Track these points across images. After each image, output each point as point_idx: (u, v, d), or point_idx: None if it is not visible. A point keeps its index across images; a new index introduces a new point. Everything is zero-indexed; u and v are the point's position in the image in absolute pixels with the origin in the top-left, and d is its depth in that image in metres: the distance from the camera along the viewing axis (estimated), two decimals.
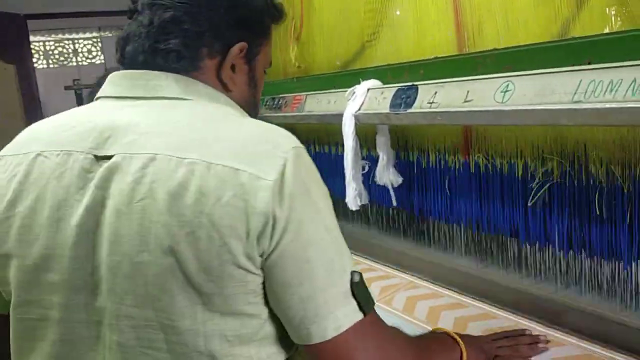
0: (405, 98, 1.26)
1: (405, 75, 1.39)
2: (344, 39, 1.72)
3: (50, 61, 9.42)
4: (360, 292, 0.66)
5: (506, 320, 1.14)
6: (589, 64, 0.92)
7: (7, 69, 4.14)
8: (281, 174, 0.61)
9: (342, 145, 1.76)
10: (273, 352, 0.68)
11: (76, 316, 0.66)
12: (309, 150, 1.96)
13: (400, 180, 1.47)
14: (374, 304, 0.68)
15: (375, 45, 1.61)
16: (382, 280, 1.34)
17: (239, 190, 0.60)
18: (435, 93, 1.18)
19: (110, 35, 9.53)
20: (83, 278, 0.65)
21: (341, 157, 1.77)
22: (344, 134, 1.42)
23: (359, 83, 1.42)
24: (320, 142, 1.90)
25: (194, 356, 0.63)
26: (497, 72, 1.07)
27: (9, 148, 0.74)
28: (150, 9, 0.72)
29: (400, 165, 1.52)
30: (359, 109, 1.39)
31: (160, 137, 0.64)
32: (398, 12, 1.51)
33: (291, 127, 1.97)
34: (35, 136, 0.73)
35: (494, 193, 1.30)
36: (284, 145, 0.64)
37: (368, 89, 1.39)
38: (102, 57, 9.77)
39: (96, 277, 0.65)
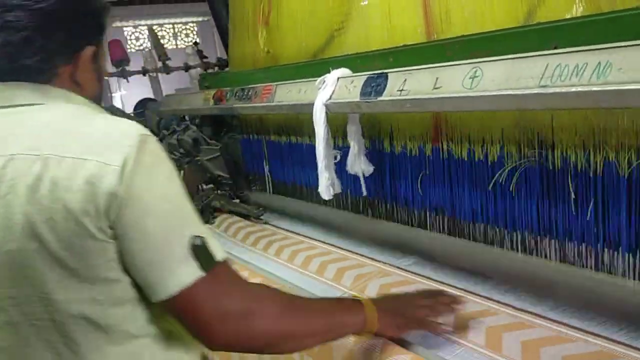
0: (375, 86, 1.25)
1: (375, 63, 1.39)
2: (312, 25, 1.71)
3: None
4: (200, 253, 0.76)
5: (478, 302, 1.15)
6: (555, 48, 0.94)
7: None
8: (124, 159, 0.73)
9: (312, 135, 1.78)
10: (146, 309, 0.80)
11: None
12: (280, 141, 1.95)
13: (371, 169, 1.47)
14: (216, 262, 0.78)
15: (344, 33, 1.60)
16: (355, 269, 1.34)
17: (88, 177, 0.72)
18: (405, 80, 1.17)
19: None
20: None
21: (313, 147, 1.78)
22: (314, 123, 1.41)
23: (329, 72, 1.41)
24: (292, 133, 1.89)
25: (73, 321, 0.76)
26: (465, 59, 1.07)
27: None
28: (3, 31, 0.77)
29: (372, 154, 1.52)
30: (330, 98, 1.38)
31: (17, 139, 0.75)
32: (365, 2, 1.51)
33: (261, 118, 1.99)
34: None
35: (463, 178, 1.31)
36: (129, 135, 0.75)
37: (338, 78, 1.38)
38: None
39: None
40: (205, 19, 8.69)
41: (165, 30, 9.67)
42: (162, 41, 3.54)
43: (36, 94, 0.80)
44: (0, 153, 0.74)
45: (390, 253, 1.44)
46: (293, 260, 1.49)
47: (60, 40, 0.81)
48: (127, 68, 3.48)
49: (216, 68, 3.59)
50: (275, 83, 1.66)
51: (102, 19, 0.89)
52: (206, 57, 3.63)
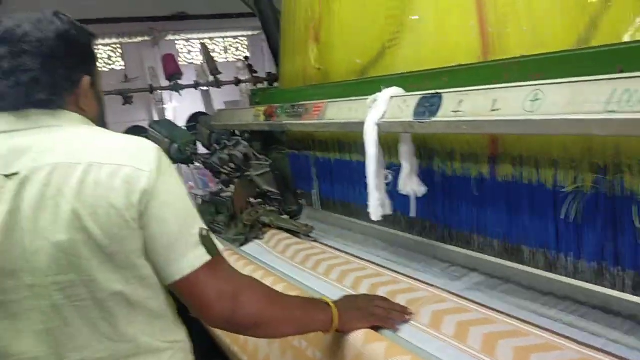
0: (429, 106, 1.23)
1: (427, 82, 1.36)
2: (363, 42, 1.70)
3: None
4: (206, 242, 0.93)
5: (538, 337, 1.10)
6: (621, 71, 0.89)
7: None
8: (151, 166, 0.91)
9: (362, 153, 1.76)
10: (163, 294, 0.97)
11: (9, 297, 0.88)
12: (329, 157, 1.94)
13: (423, 190, 1.44)
14: (218, 251, 0.94)
15: (395, 50, 1.59)
16: (407, 293, 1.31)
17: (126, 179, 0.89)
18: (461, 101, 1.15)
19: (129, 40, 9.65)
20: (11, 264, 0.87)
21: (363, 164, 1.76)
22: (365, 142, 1.40)
23: (379, 90, 1.40)
24: (342, 149, 1.88)
25: (111, 298, 0.91)
26: (523, 80, 1.04)
27: None
28: (12, 74, 0.91)
29: (424, 174, 1.49)
30: (382, 117, 1.36)
31: (54, 152, 0.90)
32: (416, 17, 1.49)
33: (311, 134, 1.99)
34: None
35: (520, 202, 1.27)
36: (149, 148, 0.94)
37: (391, 97, 1.37)
38: (122, 62, 9.90)
39: (21, 262, 0.87)
40: (255, 32, 8.83)
41: (215, 44, 9.91)
42: (212, 55, 3.61)
43: (55, 118, 0.95)
44: (44, 163, 0.89)
45: (444, 277, 1.39)
46: (343, 281, 1.47)
47: (63, 76, 0.96)
48: (179, 82, 3.58)
49: (265, 83, 3.64)
50: (326, 101, 1.66)
51: (92, 50, 1.05)
52: (256, 72, 3.68)
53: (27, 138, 0.92)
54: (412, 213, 1.48)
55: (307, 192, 2.16)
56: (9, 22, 0.94)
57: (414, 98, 1.29)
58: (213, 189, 3.83)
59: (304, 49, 2.01)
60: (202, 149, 2.89)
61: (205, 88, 3.62)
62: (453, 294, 1.28)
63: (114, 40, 9.64)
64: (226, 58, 9.89)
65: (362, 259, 1.61)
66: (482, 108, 1.08)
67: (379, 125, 1.37)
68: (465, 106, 1.13)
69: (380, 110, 1.37)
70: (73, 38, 0.98)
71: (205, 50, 3.79)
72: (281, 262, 1.71)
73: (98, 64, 1.06)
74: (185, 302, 0.96)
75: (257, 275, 1.58)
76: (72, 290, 0.89)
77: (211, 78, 3.62)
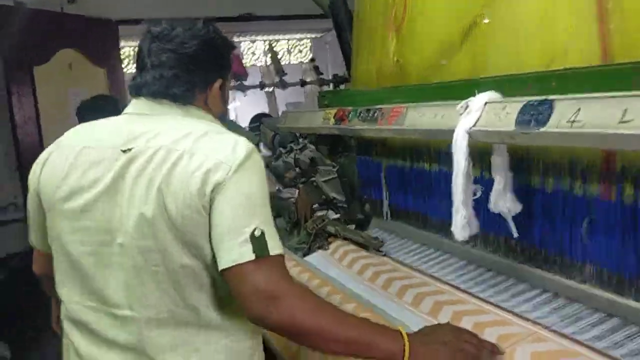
0: (535, 115, 1.06)
1: (529, 87, 1.20)
2: (450, 32, 1.54)
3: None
4: (257, 241, 0.97)
5: None
6: None
7: (98, 73, 4.25)
8: (233, 162, 1.00)
9: (442, 162, 1.61)
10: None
11: (104, 249, 1.06)
12: (402, 165, 1.79)
13: (518, 207, 1.27)
14: (267, 252, 0.98)
15: (488, 49, 1.42)
16: (497, 326, 1.14)
17: (208, 169, 1.00)
18: (579, 110, 0.98)
19: None
20: (109, 222, 1.05)
21: (442, 175, 1.60)
22: (454, 153, 1.24)
23: (471, 95, 1.24)
24: (418, 158, 1.72)
25: (181, 269, 1.03)
26: None
27: (63, 140, 1.17)
28: (159, 67, 1.11)
29: (519, 191, 1.32)
30: (474, 125, 1.21)
31: (163, 137, 1.05)
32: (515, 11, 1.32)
33: (384, 139, 1.85)
34: (82, 135, 1.16)
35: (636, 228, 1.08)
36: (243, 146, 1.03)
37: (486, 103, 1.21)
38: None
39: (117, 223, 1.04)
40: (319, 35, 8.75)
41: (280, 46, 9.90)
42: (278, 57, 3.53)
43: (181, 111, 1.12)
44: (153, 145, 1.04)
45: (542, 310, 1.21)
46: (419, 306, 1.31)
47: (200, 76, 1.13)
48: (245, 82, 3.51)
49: (331, 85, 3.53)
50: (406, 105, 1.51)
51: (228, 57, 1.21)
52: (322, 73, 3.57)
53: (152, 123, 1.09)
54: (514, 233, 1.30)
55: (375, 200, 2.02)
56: (165, 24, 1.13)
57: (516, 104, 1.12)
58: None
59: (381, 45, 1.86)
60: (264, 151, 2.81)
61: (270, 89, 3.54)
62: (553, 331, 1.11)
63: None
64: (289, 60, 9.87)
65: (440, 279, 1.45)
66: (609, 119, 0.91)
67: (470, 134, 1.21)
68: (584, 116, 0.96)
69: (474, 117, 1.22)
70: (215, 45, 1.15)
71: (271, 51, 3.72)
72: (348, 277, 1.58)
73: (230, 72, 1.23)
74: (232, 293, 1.02)
75: (323, 292, 1.46)
76: (149, 255, 1.02)
77: (277, 79, 3.54)
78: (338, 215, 2.05)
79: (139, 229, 1.02)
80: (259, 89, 3.63)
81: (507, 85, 1.25)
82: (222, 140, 1.05)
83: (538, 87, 1.17)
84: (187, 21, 1.13)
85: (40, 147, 3.88)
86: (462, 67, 1.52)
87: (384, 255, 1.68)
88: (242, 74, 3.51)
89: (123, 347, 1.07)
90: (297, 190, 2.05)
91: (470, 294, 1.33)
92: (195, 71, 1.12)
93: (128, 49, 9.60)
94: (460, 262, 1.52)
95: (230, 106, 8.77)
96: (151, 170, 1.02)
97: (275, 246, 1.00)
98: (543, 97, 1.07)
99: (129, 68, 5.48)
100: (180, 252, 1.02)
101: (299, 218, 2.03)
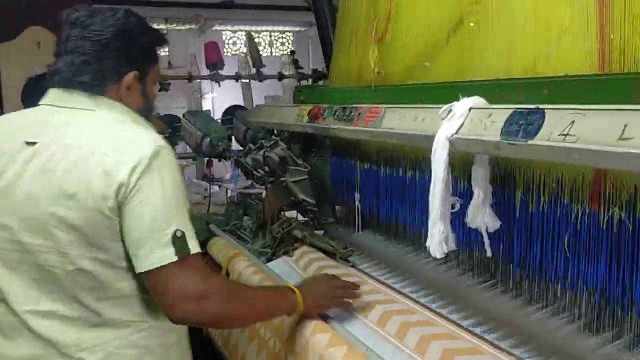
0: (525, 125, 0.96)
1: (520, 95, 1.10)
2: (434, 41, 1.44)
3: None
4: (178, 243, 0.97)
5: None
6: None
7: None
8: (138, 161, 0.97)
9: (419, 169, 1.50)
10: (134, 278, 1.03)
11: (4, 245, 1.02)
12: (377, 170, 1.69)
13: (497, 224, 1.17)
14: (188, 253, 0.98)
15: (475, 53, 1.32)
16: (469, 356, 1.04)
17: (108, 169, 0.97)
18: (573, 123, 0.87)
19: (176, 27, 9.56)
20: (5, 218, 1.02)
21: (417, 182, 1.50)
22: (433, 161, 1.14)
23: (457, 99, 1.14)
24: (395, 163, 1.61)
25: (79, 272, 1.00)
26: None
27: None
28: (71, 54, 1.05)
29: (499, 206, 1.22)
30: (456, 133, 1.10)
31: (68, 133, 1.03)
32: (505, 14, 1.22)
33: (359, 141, 1.74)
34: None
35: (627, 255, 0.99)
36: (148, 143, 1.00)
37: (470, 109, 1.10)
38: (166, 49, 9.80)
39: (16, 219, 1.01)
40: (303, 29, 8.62)
41: (262, 38, 9.73)
42: (257, 47, 3.39)
43: (91, 102, 1.06)
44: (56, 140, 1.01)
45: (515, 342, 1.11)
46: (385, 326, 1.21)
47: (111, 65, 1.07)
48: (222, 73, 3.36)
49: (310, 80, 3.40)
50: (385, 105, 1.40)
51: (150, 51, 1.15)
52: (302, 68, 3.44)
53: (61, 115, 1.05)
54: (488, 252, 1.20)
55: (348, 205, 1.91)
56: (84, 12, 1.08)
57: (503, 112, 1.02)
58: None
59: (362, 48, 1.75)
60: (237, 146, 2.67)
61: (246, 81, 3.40)
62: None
63: (161, 26, 9.58)
64: (271, 52, 9.71)
65: (409, 297, 1.34)
66: (606, 135, 0.81)
67: (452, 142, 1.11)
68: (579, 130, 0.86)
69: (456, 123, 1.11)
70: (131, 36, 1.09)
71: (250, 41, 3.58)
72: None
73: (155, 65, 1.17)
74: (152, 295, 1.01)
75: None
76: (48, 256, 1.00)
77: (254, 70, 3.40)
78: (306, 219, 1.94)
79: (39, 228, 0.99)
80: (236, 81, 3.48)
81: (495, 90, 1.15)
82: (128, 137, 1.03)
83: (528, 94, 1.07)
84: (109, 10, 1.09)
85: None
86: (447, 70, 1.41)
87: (352, 266, 1.57)
88: (218, 62, 3.35)
89: (32, 340, 1.04)
90: (265, 191, 1.93)
91: (442, 316, 1.23)
92: (107, 60, 1.06)
93: None
94: (434, 280, 1.42)
95: (208, 95, 8.61)
96: (51, 169, 0.99)
97: (195, 245, 1.01)
98: (534, 106, 0.97)
99: None
100: (81, 255, 0.99)
101: (266, 220, 1.91)
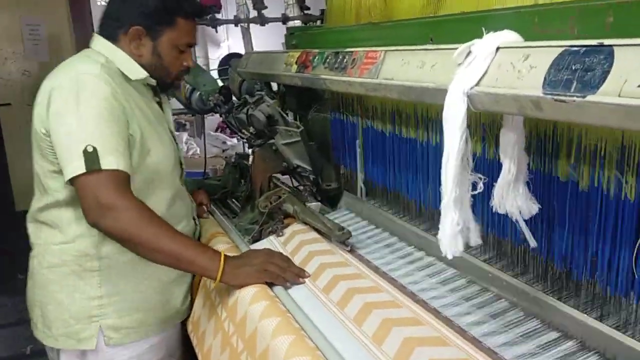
0: (580, 71, 0.63)
1: (571, 25, 0.75)
2: None
3: None
4: (89, 157, 1.10)
5: None
6: None
7: (58, 1, 3.73)
8: (58, 84, 1.18)
9: (434, 131, 1.19)
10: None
11: None
12: (383, 129, 1.37)
13: (536, 208, 0.86)
14: (99, 167, 1.11)
15: None
16: None
17: (46, 94, 1.19)
18: None
19: None
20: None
21: (433, 148, 1.18)
22: (445, 125, 0.82)
23: (479, 36, 0.80)
24: (405, 121, 1.29)
25: (38, 174, 1.27)
26: None
27: None
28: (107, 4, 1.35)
29: (537, 183, 0.90)
30: (477, 84, 0.77)
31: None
32: None
33: (359, 96, 1.40)
34: None
35: None
36: (74, 71, 1.21)
37: (498, 48, 0.77)
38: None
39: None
40: None
41: None
42: None
43: (97, 43, 1.31)
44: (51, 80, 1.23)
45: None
46: (382, 342, 0.91)
47: (122, 16, 1.29)
48: (216, 16, 3.02)
49: (319, 22, 3.02)
50: (384, 48, 1.06)
51: (162, 14, 1.28)
52: (308, 8, 3.05)
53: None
54: (531, 242, 0.89)
55: (348, 171, 1.60)
56: None
57: (547, 52, 0.69)
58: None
59: None
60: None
61: (245, 25, 3.04)
62: None
63: None
64: None
65: (418, 299, 1.05)
66: None
67: (470, 97, 0.78)
68: None
69: (477, 70, 0.78)
70: None
71: None
72: (296, 286, 1.17)
73: (171, 29, 1.29)
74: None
75: (259, 307, 1.06)
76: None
77: (254, 13, 3.04)
78: (302, 187, 1.64)
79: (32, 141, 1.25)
80: (235, 25, 3.13)
81: (534, 20, 0.80)
82: (66, 65, 1.24)
83: (584, 23, 0.73)
84: None
85: None
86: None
87: (350, 250, 1.27)
88: (214, 5, 3.00)
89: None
90: (251, 155, 1.63)
91: (458, 329, 0.93)
92: (120, 11, 1.29)
93: None
94: (451, 272, 1.12)
95: (223, 45, 8.20)
96: (37, 100, 1.22)
97: (110, 162, 1.11)
98: (595, 42, 0.63)
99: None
100: (38, 163, 1.25)
101: (254, 190, 1.62)
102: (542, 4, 0.82)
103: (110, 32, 1.29)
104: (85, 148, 1.10)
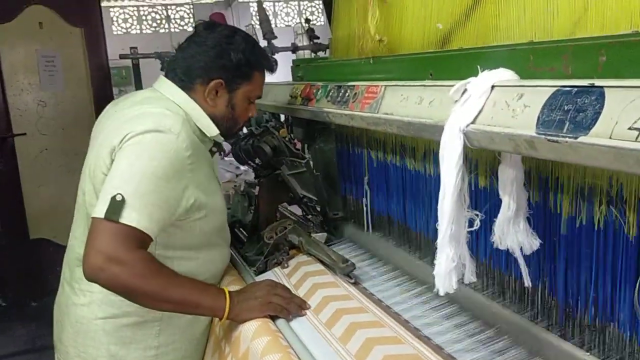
0: (573, 111, 0.63)
1: (564, 64, 0.76)
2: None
3: (143, 26, 9.35)
4: (113, 205, 1.04)
5: None
6: None
7: (74, 34, 3.82)
8: (129, 133, 1.12)
9: (431, 161, 1.19)
10: None
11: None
12: (386, 160, 1.37)
13: (537, 244, 0.85)
14: (117, 219, 1.04)
15: (500, 8, 0.97)
16: None
17: (117, 134, 1.15)
18: None
19: (203, 2, 9.26)
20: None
21: (429, 178, 1.18)
22: (441, 161, 0.82)
23: (475, 74, 0.81)
24: (407, 152, 1.29)
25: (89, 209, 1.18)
26: None
27: None
28: (180, 50, 1.30)
29: (536, 219, 0.90)
30: (473, 122, 0.78)
31: (130, 105, 1.26)
32: None
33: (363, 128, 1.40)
34: None
35: None
36: (144, 123, 1.14)
37: (493, 86, 0.78)
38: (194, 24, 9.51)
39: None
40: None
41: (290, 7, 9.34)
42: (270, 18, 3.06)
43: (169, 89, 1.27)
44: (119, 110, 1.27)
45: None
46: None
47: (201, 67, 1.26)
48: None
49: (327, 52, 3.06)
50: (384, 83, 1.08)
51: (242, 69, 1.27)
52: (317, 38, 3.09)
53: (146, 93, 1.32)
54: (526, 281, 0.89)
55: (355, 202, 1.60)
56: (204, 23, 1.32)
57: (540, 91, 0.69)
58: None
59: (364, 8, 1.42)
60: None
61: None
62: None
63: (187, 0, 9.33)
64: (275, 23, 9.30)
65: (421, 335, 1.03)
66: None
67: (466, 134, 0.78)
68: None
69: (473, 108, 0.79)
70: (228, 50, 1.25)
71: (261, 10, 3.25)
72: (298, 318, 1.17)
73: (247, 84, 1.29)
74: None
75: (261, 343, 1.06)
76: (83, 197, 1.22)
77: (264, 42, 3.08)
78: (309, 217, 1.64)
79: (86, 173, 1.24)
80: None
81: (528, 57, 0.81)
82: (148, 116, 1.17)
83: (577, 64, 0.73)
84: (222, 26, 1.31)
85: (6, 115, 3.51)
86: (471, 34, 1.06)
87: (354, 282, 1.27)
88: None
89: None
90: (258, 186, 1.64)
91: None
92: (200, 62, 1.25)
93: (132, 9, 9.17)
94: (455, 308, 1.11)
95: None
96: (99, 133, 1.24)
97: (132, 219, 1.05)
98: (587, 82, 0.63)
99: (117, 30, 5.03)
100: (93, 201, 1.15)
101: (260, 220, 1.62)
102: (537, 42, 0.83)
103: (185, 81, 1.25)
104: (115, 195, 1.04)
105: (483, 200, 1.01)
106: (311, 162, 1.58)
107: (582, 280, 0.86)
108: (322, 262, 1.36)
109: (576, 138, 0.61)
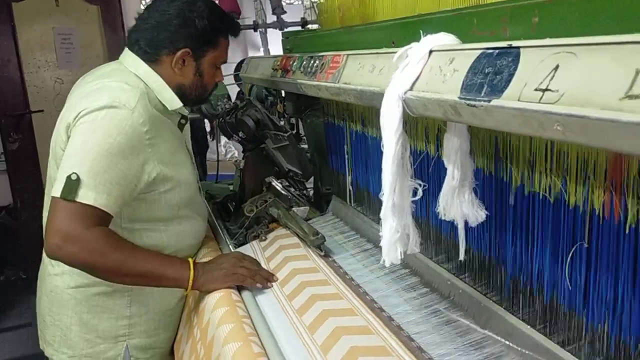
0: (492, 74, 0.61)
1: (503, 27, 0.73)
2: None
3: None
4: (68, 184, 1.04)
5: None
6: None
7: (90, 11, 3.87)
8: (83, 110, 1.10)
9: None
10: None
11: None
12: (364, 132, 1.35)
13: (483, 215, 0.83)
14: (73, 198, 1.04)
15: None
16: None
17: (73, 109, 1.13)
18: (557, 68, 0.52)
19: None
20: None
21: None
22: (382, 129, 0.80)
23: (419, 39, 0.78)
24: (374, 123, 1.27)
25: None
26: None
27: None
28: (141, 20, 1.27)
29: (484, 189, 0.88)
30: (411, 88, 0.75)
31: (91, 80, 1.23)
32: None
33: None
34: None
35: None
36: (99, 100, 1.12)
37: (430, 51, 0.75)
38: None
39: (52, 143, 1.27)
40: None
41: None
42: None
43: (133, 61, 1.25)
44: (82, 86, 1.24)
45: None
46: (328, 351, 0.90)
47: (166, 38, 1.23)
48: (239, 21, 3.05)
49: None
50: (346, 52, 1.06)
51: (207, 36, 1.25)
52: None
53: (110, 66, 1.29)
54: (461, 254, 0.87)
55: (338, 175, 1.59)
56: None
57: (468, 55, 0.66)
58: None
59: None
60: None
61: (262, 30, 3.07)
62: None
63: None
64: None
65: (383, 312, 1.03)
66: (608, 89, 0.45)
67: (406, 101, 0.76)
68: (562, 80, 0.50)
69: (411, 74, 0.76)
70: (191, 18, 1.22)
71: None
72: (263, 291, 1.18)
73: (214, 50, 1.27)
74: None
75: (218, 309, 1.07)
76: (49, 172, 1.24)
77: (273, 18, 3.07)
78: (298, 193, 1.64)
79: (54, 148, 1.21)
80: (254, 30, 3.16)
81: (473, 21, 0.78)
82: (104, 90, 1.15)
83: (514, 24, 0.70)
84: None
85: (23, 92, 3.58)
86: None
87: (324, 255, 1.26)
88: (233, 11, 3.04)
89: None
90: (244, 160, 1.65)
91: (406, 338, 0.91)
92: (164, 33, 1.22)
93: None
94: (416, 280, 1.10)
95: (262, 49, 8.27)
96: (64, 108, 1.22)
97: (89, 197, 1.05)
98: (506, 43, 0.61)
99: (135, 6, 5.06)
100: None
101: (245, 195, 1.63)
102: (482, 4, 0.79)
103: (151, 53, 1.22)
104: (70, 175, 1.04)
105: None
106: (304, 137, 1.56)
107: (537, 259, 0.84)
108: (298, 235, 1.36)
109: (490, 102, 0.59)
